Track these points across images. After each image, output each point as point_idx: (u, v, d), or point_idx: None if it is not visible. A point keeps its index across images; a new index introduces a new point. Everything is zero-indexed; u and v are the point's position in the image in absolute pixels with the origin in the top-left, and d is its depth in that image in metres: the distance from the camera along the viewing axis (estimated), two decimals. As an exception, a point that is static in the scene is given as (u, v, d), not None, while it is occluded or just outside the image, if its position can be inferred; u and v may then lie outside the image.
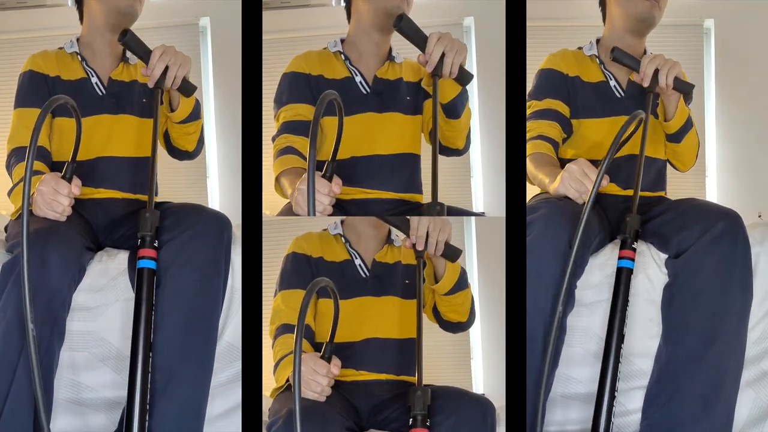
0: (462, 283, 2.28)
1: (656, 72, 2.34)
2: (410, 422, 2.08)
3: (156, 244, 2.16)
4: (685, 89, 2.40)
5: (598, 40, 2.55)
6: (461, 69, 2.29)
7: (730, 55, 3.29)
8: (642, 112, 2.15)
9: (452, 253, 2.22)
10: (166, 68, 2.28)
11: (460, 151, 2.48)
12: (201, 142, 2.52)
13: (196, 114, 2.42)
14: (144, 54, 2.31)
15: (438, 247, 2.20)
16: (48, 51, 2.46)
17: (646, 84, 2.36)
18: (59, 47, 2.48)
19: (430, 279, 2.28)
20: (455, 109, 2.37)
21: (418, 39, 2.27)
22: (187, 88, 2.34)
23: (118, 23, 2.42)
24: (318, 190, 2.17)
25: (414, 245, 2.20)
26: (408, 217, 2.23)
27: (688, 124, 2.46)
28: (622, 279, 2.19)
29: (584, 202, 2.26)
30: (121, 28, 2.42)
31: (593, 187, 2.09)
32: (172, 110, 2.38)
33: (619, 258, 2.21)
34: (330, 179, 2.20)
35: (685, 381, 2.21)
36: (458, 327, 2.36)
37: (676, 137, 2.46)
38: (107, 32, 2.44)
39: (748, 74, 3.30)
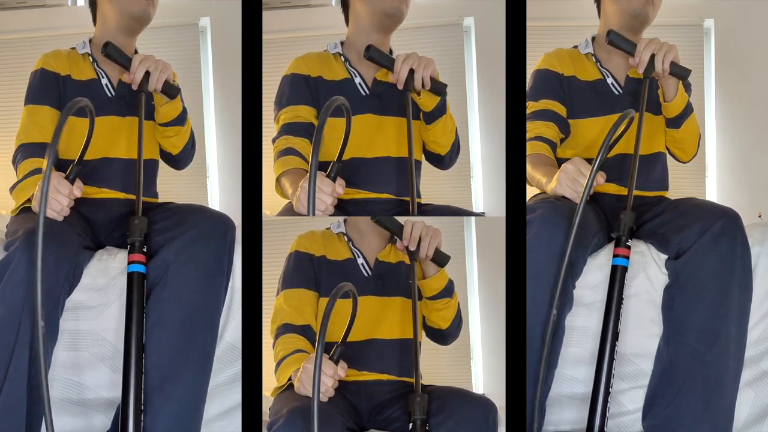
0: (447, 291, 2.31)
1: (652, 58, 2.33)
2: (410, 427, 2.09)
3: (145, 249, 2.17)
4: (681, 74, 2.37)
5: (593, 38, 2.54)
6: (434, 80, 2.35)
7: (730, 55, 3.29)
8: (633, 111, 2.15)
9: (441, 259, 2.28)
10: (149, 73, 2.34)
11: (443, 158, 2.49)
12: (187, 150, 2.52)
13: (180, 120, 2.44)
14: (126, 62, 2.38)
15: (429, 251, 2.25)
16: (60, 50, 2.47)
17: (641, 70, 2.34)
18: (71, 47, 2.49)
19: (420, 281, 2.30)
20: (432, 116, 2.42)
21: (388, 63, 2.36)
22: (171, 91, 2.39)
23: (131, 27, 2.45)
24: (321, 189, 2.18)
25: (407, 247, 2.24)
26: (402, 220, 2.27)
27: (688, 109, 2.43)
28: (617, 277, 2.19)
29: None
30: (134, 31, 2.46)
31: (587, 185, 2.08)
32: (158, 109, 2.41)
33: (614, 256, 2.20)
34: (334, 180, 2.21)
35: (687, 381, 2.21)
36: (439, 335, 2.36)
37: (676, 122, 2.44)
38: (120, 35, 2.45)
39: (748, 74, 3.30)
